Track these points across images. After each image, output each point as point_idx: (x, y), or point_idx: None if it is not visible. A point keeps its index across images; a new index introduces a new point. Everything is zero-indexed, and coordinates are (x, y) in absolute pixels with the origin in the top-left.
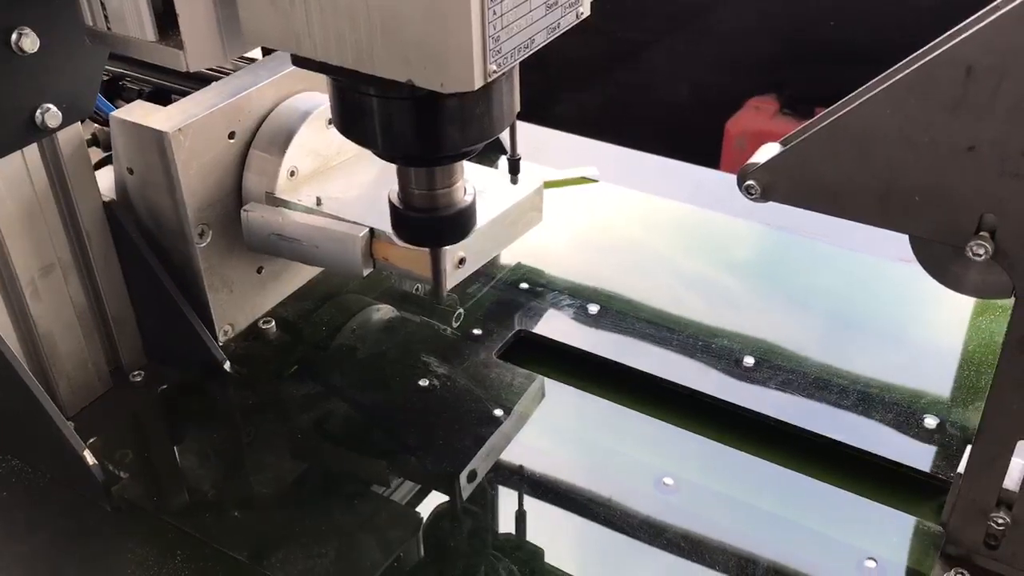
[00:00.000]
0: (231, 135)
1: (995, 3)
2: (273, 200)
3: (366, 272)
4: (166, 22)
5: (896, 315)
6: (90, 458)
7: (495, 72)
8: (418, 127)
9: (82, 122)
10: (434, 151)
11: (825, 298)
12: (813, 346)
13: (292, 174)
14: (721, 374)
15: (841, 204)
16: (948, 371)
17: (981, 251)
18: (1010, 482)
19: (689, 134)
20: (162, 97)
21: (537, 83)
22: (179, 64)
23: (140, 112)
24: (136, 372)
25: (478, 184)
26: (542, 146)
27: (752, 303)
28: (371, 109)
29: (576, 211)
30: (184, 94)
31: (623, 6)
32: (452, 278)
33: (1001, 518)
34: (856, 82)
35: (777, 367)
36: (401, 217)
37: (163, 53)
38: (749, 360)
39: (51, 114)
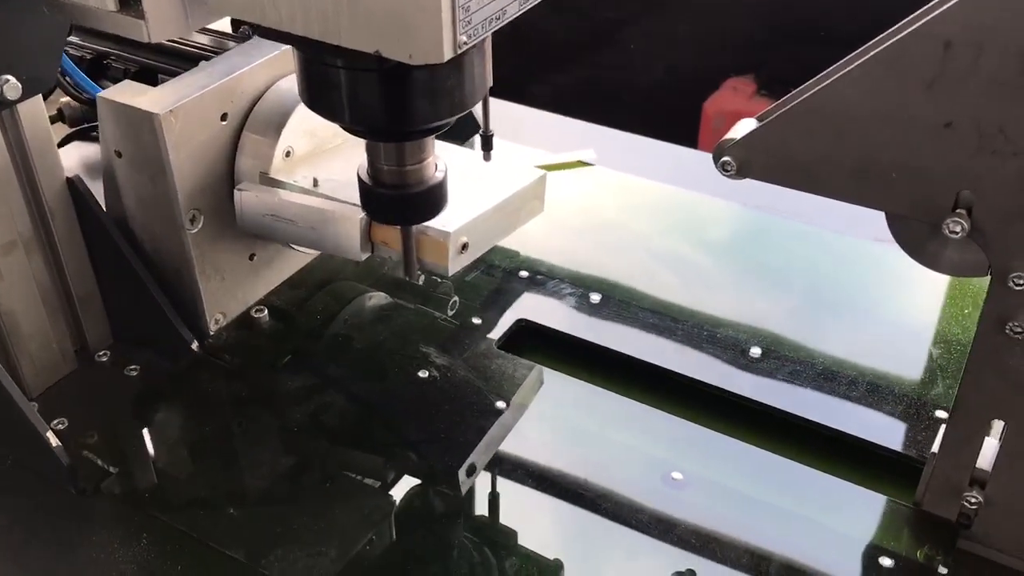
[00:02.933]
0: (223, 117)
1: None
2: (268, 180)
3: (364, 256)
4: None
5: (905, 304)
6: (53, 440)
7: (465, 43)
8: (386, 100)
9: (45, 97)
10: (403, 125)
11: (830, 286)
12: (819, 336)
13: (288, 154)
14: (728, 365)
15: (817, 181)
16: (958, 361)
17: (958, 228)
18: (983, 461)
19: (667, 114)
20: (149, 77)
21: (514, 63)
22: (141, 35)
23: (129, 93)
24: (102, 352)
25: (480, 171)
26: (519, 125)
27: (756, 292)
28: (338, 81)
29: (574, 196)
30: (172, 74)
31: None
32: (455, 263)
33: (974, 497)
34: (834, 63)
35: (784, 358)
36: (370, 193)
37: (124, 23)
38: (755, 351)
39: (10, 86)
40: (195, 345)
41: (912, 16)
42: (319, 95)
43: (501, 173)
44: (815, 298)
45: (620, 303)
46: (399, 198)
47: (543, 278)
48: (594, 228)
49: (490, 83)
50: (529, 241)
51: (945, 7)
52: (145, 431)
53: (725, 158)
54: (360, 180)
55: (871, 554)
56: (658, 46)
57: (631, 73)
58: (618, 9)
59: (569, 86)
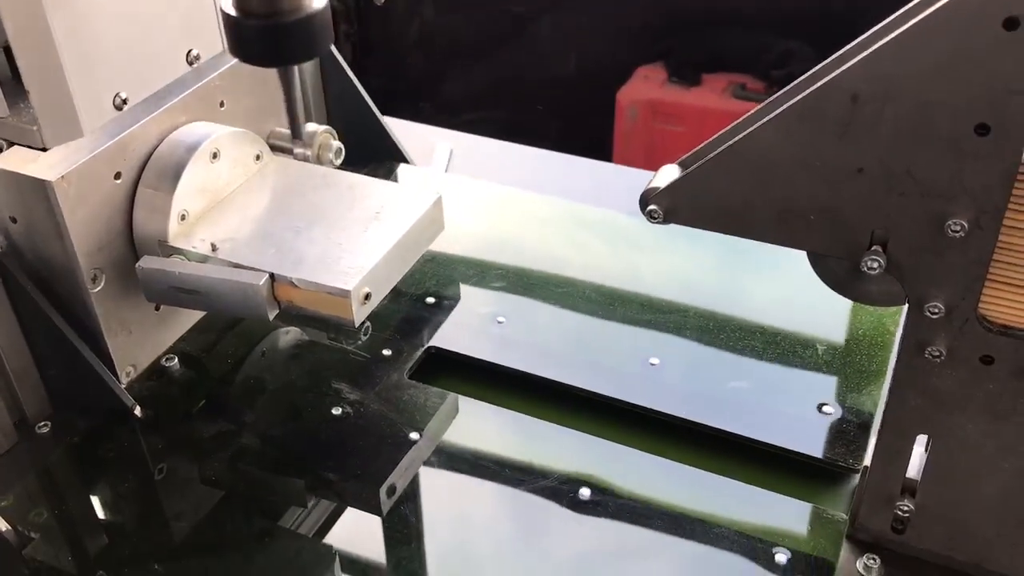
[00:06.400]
0: (117, 176)
1: (875, 30)
2: (167, 249)
3: (272, 315)
4: (16, 92)
5: (788, 305)
6: (2, 524)
7: None
8: None
9: None
10: None
11: (724, 294)
12: (715, 343)
13: (183, 218)
14: (630, 376)
15: (741, 225)
16: (841, 358)
17: (875, 265)
18: (913, 471)
19: (581, 106)
20: None
21: (425, 64)
22: (35, 141)
23: (18, 159)
24: (42, 423)
25: (375, 201)
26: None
27: (658, 302)
28: None
29: (475, 216)
30: None
31: None
32: (360, 314)
33: (906, 505)
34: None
35: (683, 365)
36: (237, 27)
37: (15, 129)
38: (655, 360)
39: None
40: (138, 410)
41: (820, 66)
42: None
43: (397, 200)
44: (713, 305)
45: (526, 323)
46: (271, 29)
47: (450, 303)
48: (496, 249)
49: None
50: (433, 265)
51: (852, 61)
52: (91, 501)
53: (651, 206)
54: (224, 13)
55: (767, 550)
56: (568, 39)
57: (543, 67)
58: (525, 4)
59: (481, 84)
